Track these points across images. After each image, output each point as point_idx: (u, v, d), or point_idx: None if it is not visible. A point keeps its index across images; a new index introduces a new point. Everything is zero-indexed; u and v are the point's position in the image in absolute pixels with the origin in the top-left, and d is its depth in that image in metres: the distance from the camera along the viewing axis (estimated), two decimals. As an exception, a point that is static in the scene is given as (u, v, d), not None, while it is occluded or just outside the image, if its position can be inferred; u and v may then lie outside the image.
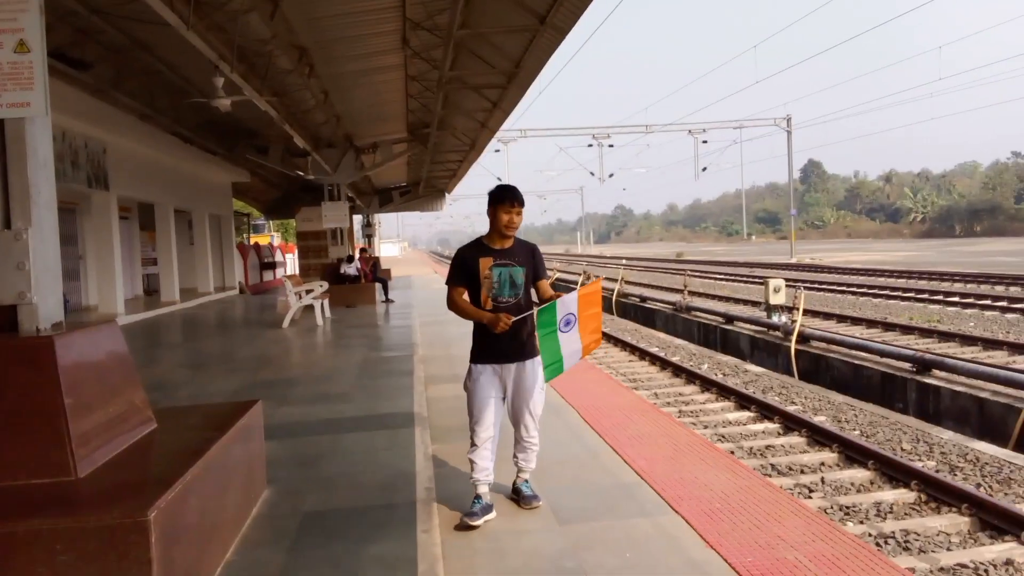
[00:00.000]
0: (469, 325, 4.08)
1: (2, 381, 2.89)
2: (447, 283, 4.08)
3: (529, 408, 4.04)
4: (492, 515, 3.99)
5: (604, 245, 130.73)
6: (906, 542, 5.39)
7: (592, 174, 46.46)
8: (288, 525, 3.70)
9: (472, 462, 4.02)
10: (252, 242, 34.83)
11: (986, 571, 4.83)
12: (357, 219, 37.13)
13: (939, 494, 6.04)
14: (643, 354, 13.48)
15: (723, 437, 8.07)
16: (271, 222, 44.80)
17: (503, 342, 3.92)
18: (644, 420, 6.34)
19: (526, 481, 4.22)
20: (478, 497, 3.99)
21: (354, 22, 10.64)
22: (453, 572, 3.27)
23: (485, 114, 16.81)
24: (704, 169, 47.58)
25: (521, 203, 3.98)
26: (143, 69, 12.82)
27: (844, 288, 23.71)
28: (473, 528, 3.83)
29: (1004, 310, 16.56)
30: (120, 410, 3.30)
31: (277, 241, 43.06)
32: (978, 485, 6.37)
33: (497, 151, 43.28)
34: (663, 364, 12.38)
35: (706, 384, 10.54)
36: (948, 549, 5.29)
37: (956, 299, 19.00)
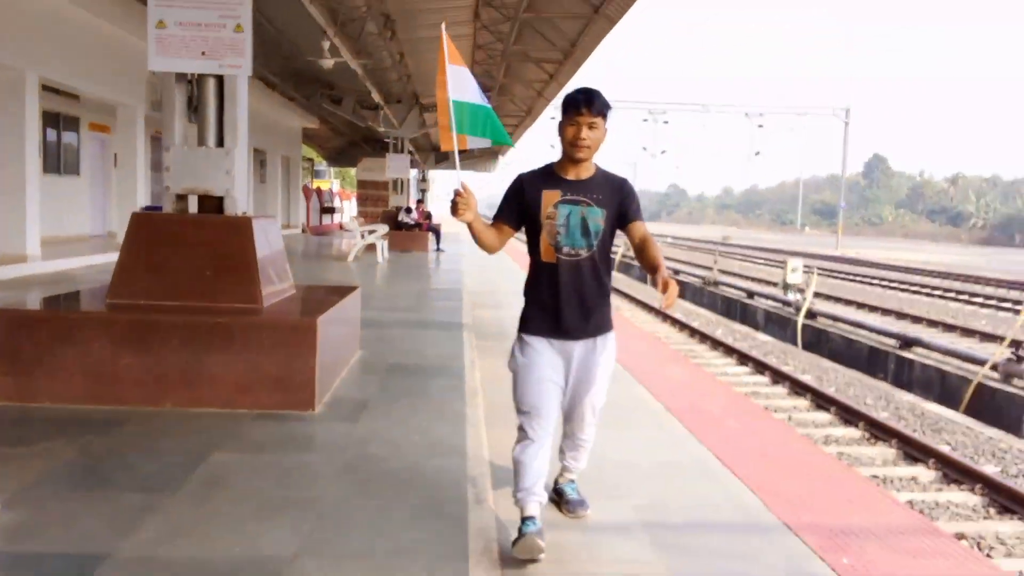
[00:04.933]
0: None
1: (220, 244, 4.59)
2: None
3: (590, 399, 2.99)
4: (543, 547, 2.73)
5: (652, 223, 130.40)
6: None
7: (644, 149, 47.40)
8: (379, 367, 5.42)
9: (519, 465, 2.87)
10: (315, 186, 36.88)
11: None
12: (412, 173, 38.82)
13: (878, 432, 7.49)
14: (665, 317, 14.99)
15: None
16: (332, 169, 46.89)
17: (565, 310, 2.86)
18: (674, 365, 7.91)
19: (572, 482, 3.30)
20: (526, 520, 2.79)
21: (436, -4, 12.18)
22: (491, 396, 4.86)
23: (542, 84, 18.27)
24: (757, 154, 48.11)
25: (598, 110, 2.77)
26: (248, 22, 14.55)
27: (875, 281, 24.64)
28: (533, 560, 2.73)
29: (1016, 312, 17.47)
30: (279, 274, 4.99)
31: (336, 188, 45.14)
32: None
33: (552, 118, 44.42)
34: (682, 326, 13.91)
35: (715, 344, 12.06)
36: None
37: (980, 300, 19.85)
